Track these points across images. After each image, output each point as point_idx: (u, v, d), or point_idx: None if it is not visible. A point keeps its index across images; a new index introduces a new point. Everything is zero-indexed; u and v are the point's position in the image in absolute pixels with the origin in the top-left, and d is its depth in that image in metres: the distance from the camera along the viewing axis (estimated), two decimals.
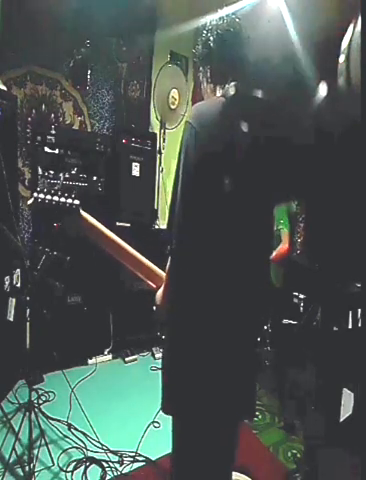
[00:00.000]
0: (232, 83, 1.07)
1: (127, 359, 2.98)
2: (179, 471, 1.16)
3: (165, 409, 1.10)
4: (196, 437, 1.08)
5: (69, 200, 1.13)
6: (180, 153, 0.99)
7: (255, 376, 1.16)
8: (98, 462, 1.80)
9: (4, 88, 2.37)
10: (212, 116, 1.00)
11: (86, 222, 1.17)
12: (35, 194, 1.12)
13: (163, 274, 1.17)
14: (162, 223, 3.37)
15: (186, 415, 1.07)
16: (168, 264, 1.07)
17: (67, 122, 3.09)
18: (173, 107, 3.39)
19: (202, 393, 1.03)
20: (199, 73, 1.17)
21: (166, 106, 3.36)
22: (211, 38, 1.09)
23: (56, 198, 1.12)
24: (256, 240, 1.06)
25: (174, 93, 3.37)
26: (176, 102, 3.40)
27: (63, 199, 1.12)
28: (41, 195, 1.11)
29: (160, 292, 1.15)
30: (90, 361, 2.86)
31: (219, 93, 1.11)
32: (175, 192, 1.01)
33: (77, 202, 1.14)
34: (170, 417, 1.13)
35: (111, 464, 1.79)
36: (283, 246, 2.50)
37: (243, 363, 1.08)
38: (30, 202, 1.13)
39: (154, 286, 1.21)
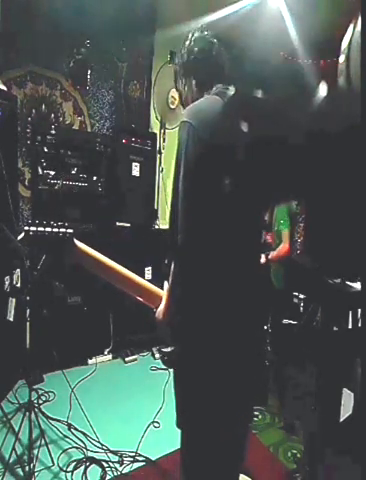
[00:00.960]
0: (224, 85, 1.08)
1: (127, 359, 2.97)
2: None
3: (180, 424, 1.09)
4: (208, 450, 1.07)
5: (62, 229, 1.09)
6: (178, 152, 0.98)
7: (266, 377, 1.16)
8: (98, 462, 1.79)
9: (4, 88, 2.37)
10: (211, 114, 0.99)
11: (80, 251, 1.14)
12: (26, 227, 1.08)
13: (161, 293, 1.16)
14: (162, 223, 3.37)
15: (200, 430, 1.07)
16: (172, 266, 1.05)
17: (67, 122, 3.09)
18: (172, 107, 3.39)
19: (215, 406, 1.02)
20: (180, 81, 1.19)
21: (166, 106, 3.36)
22: (195, 49, 1.12)
23: (48, 229, 1.09)
24: (252, 238, 1.07)
25: (174, 93, 3.37)
26: (176, 102, 3.40)
27: (56, 229, 1.09)
28: (32, 228, 1.08)
29: (161, 309, 1.14)
30: (90, 361, 2.85)
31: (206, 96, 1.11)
32: (175, 192, 1.00)
33: (70, 231, 1.10)
34: (172, 417, 1.13)
35: (111, 464, 1.79)
36: (284, 246, 2.52)
37: (253, 368, 1.08)
38: (21, 237, 1.10)
39: (153, 306, 1.19)
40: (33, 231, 1.07)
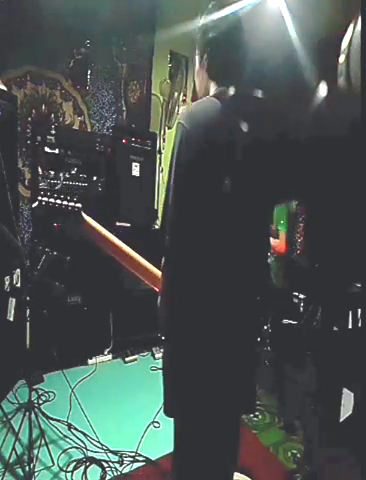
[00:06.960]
0: (230, 84, 1.07)
1: (127, 359, 2.97)
2: (181, 472, 1.16)
3: (167, 411, 1.10)
4: (198, 439, 1.08)
5: (71, 203, 1.19)
6: (172, 154, 0.99)
7: (254, 375, 1.16)
8: (98, 462, 1.79)
9: (4, 88, 2.37)
10: (206, 116, 0.99)
11: (88, 225, 1.21)
12: (39, 197, 1.18)
13: None
14: None
15: (188, 417, 1.07)
16: (162, 264, 1.07)
17: (67, 122, 3.09)
18: (180, 108, 3.41)
19: (203, 395, 1.03)
20: (196, 56, 1.13)
21: (174, 109, 3.38)
22: (211, 32, 1.06)
23: (59, 201, 1.18)
24: (252, 239, 1.06)
25: (183, 97, 3.39)
26: (184, 104, 3.42)
27: (66, 202, 1.19)
28: (45, 198, 1.18)
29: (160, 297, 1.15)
30: (90, 361, 2.85)
31: (212, 87, 1.10)
32: (167, 193, 1.00)
33: (79, 205, 1.20)
34: (171, 418, 1.13)
35: (111, 464, 1.79)
36: (280, 244, 2.50)
37: (243, 362, 1.09)
38: (35, 205, 1.18)
39: (156, 289, 1.22)
40: (45, 201, 1.18)
